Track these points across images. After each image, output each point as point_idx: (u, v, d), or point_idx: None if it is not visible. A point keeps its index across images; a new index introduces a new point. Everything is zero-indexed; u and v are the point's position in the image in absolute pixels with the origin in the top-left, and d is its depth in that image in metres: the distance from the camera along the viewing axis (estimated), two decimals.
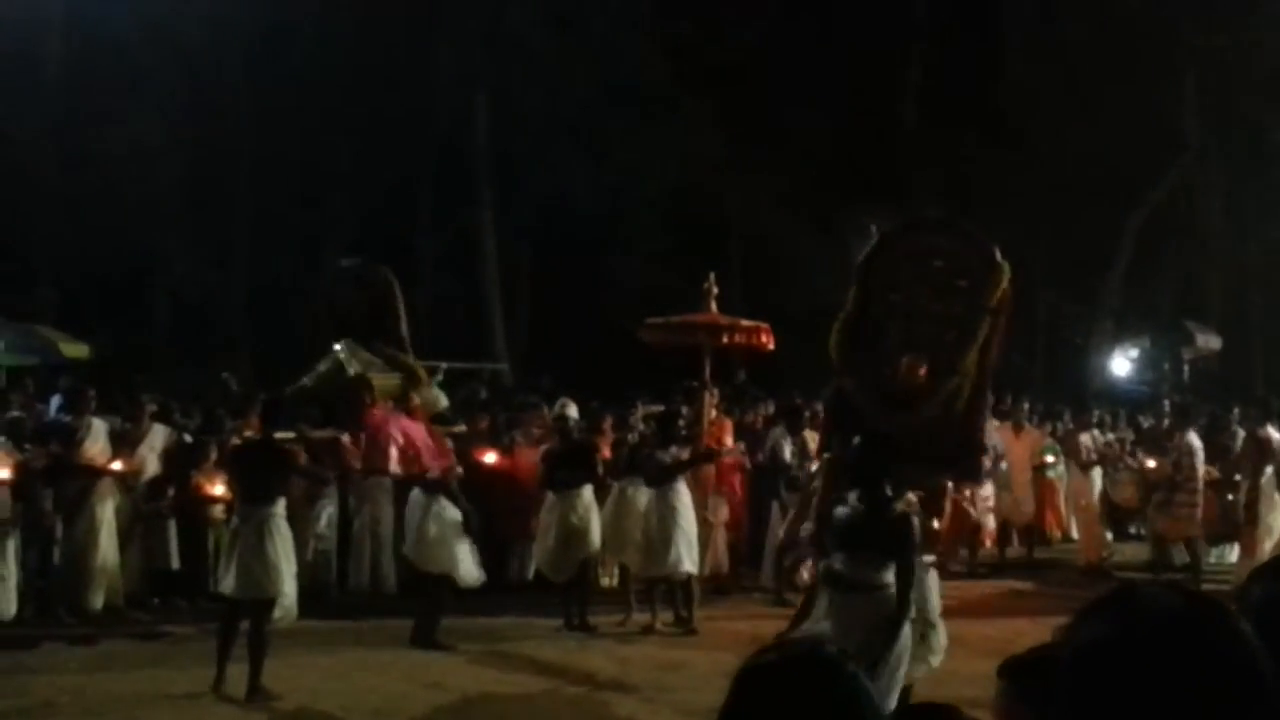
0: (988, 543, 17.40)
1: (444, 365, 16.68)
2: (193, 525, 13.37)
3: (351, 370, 11.53)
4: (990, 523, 17.00)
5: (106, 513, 13.06)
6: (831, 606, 7.98)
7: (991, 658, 2.95)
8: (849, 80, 28.57)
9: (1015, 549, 17.75)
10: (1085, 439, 17.45)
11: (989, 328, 8.84)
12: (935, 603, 8.70)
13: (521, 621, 13.17)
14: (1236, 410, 20.26)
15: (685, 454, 13.47)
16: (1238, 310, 31.75)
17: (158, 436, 13.81)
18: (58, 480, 12.85)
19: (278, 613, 10.41)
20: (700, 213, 28.77)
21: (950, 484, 8.78)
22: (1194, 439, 16.39)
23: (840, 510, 8.01)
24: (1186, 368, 30.43)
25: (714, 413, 14.54)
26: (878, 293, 9.16)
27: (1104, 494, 17.05)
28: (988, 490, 16.60)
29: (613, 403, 16.06)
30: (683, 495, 13.08)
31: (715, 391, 14.59)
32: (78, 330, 23.66)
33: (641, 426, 15.22)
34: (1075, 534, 18.11)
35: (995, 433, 16.96)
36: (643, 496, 13.31)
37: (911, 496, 8.14)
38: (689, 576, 13.08)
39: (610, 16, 28.02)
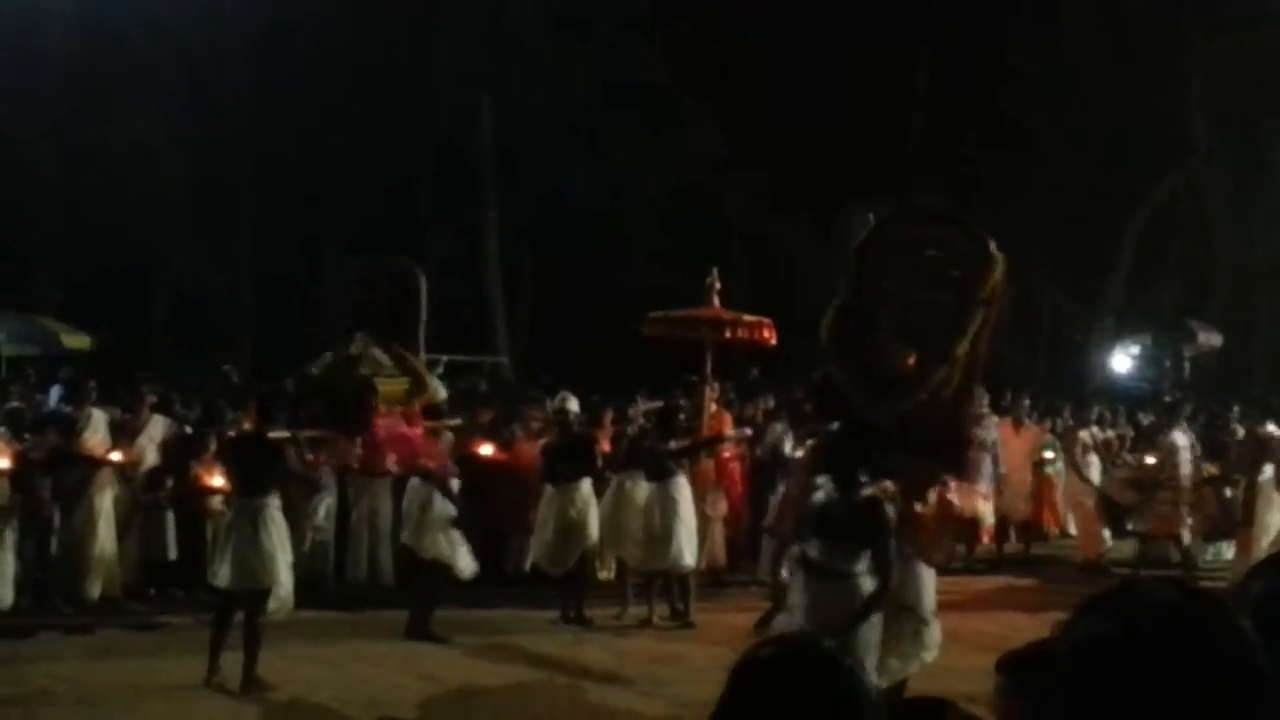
0: (985, 538, 17.39)
1: (444, 358, 16.70)
2: (191, 516, 13.37)
3: (361, 370, 11.49)
4: (988, 518, 17.00)
5: (105, 503, 13.07)
6: (805, 593, 7.97)
7: (988, 653, 2.94)
8: (850, 80, 28.59)
9: (1013, 545, 17.76)
10: (1084, 436, 17.44)
11: (980, 319, 8.80)
12: (930, 599, 8.67)
13: (518, 614, 13.18)
14: (1236, 408, 20.29)
15: (679, 444, 13.49)
16: (1240, 309, 31.77)
17: (157, 427, 13.84)
18: (57, 470, 12.86)
19: (273, 604, 10.41)
20: (701, 212, 28.77)
21: (934, 477, 8.70)
22: (1179, 437, 16.41)
23: (816, 497, 8.00)
24: (1187, 365, 30.47)
25: (714, 406, 14.55)
26: (871, 280, 9.12)
27: (1101, 491, 17.03)
28: (985, 486, 16.63)
29: (613, 397, 16.05)
30: (683, 489, 13.10)
31: (715, 385, 14.59)
32: (79, 323, 23.68)
33: (641, 421, 15.20)
34: (1073, 530, 18.10)
35: (994, 428, 16.98)
36: (641, 490, 13.31)
37: (888, 484, 8.08)
38: (688, 570, 13.10)
39: (612, 17, 28.03)
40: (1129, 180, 29.23)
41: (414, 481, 12.33)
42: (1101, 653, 1.77)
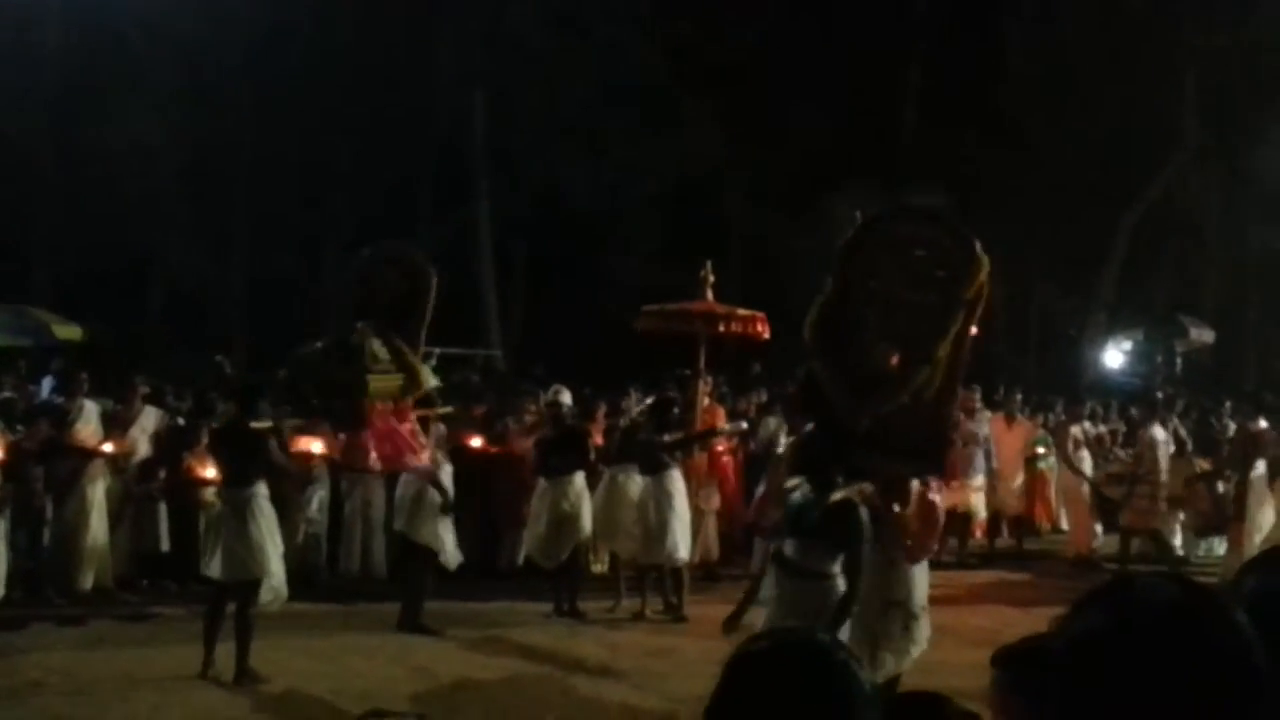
0: (978, 533, 17.46)
1: (437, 351, 16.67)
2: (183, 508, 13.36)
3: (357, 362, 11.44)
4: (981, 513, 17.05)
5: (97, 494, 13.08)
6: (779, 591, 7.98)
7: (981, 648, 2.96)
8: (848, 79, 28.58)
9: (1005, 540, 17.82)
10: (1076, 431, 17.48)
11: (963, 320, 8.80)
12: (920, 594, 8.68)
13: (511, 607, 13.20)
14: (1228, 404, 20.33)
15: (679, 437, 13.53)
16: (1232, 305, 31.83)
17: (149, 419, 13.85)
18: (49, 461, 12.86)
19: (267, 595, 10.41)
20: (695, 208, 28.78)
21: (915, 479, 8.68)
22: (1158, 431, 16.48)
23: (794, 497, 7.99)
24: (1179, 361, 30.52)
25: (706, 400, 14.57)
26: (857, 278, 9.08)
27: (1094, 485, 17.08)
28: (979, 480, 16.67)
29: (606, 391, 16.07)
30: (677, 482, 13.12)
31: (709, 379, 14.61)
32: (72, 315, 23.66)
33: (633, 414, 15.21)
34: (1065, 525, 18.15)
35: (987, 423, 17.03)
36: (634, 484, 13.34)
37: (867, 486, 8.07)
38: (682, 564, 13.13)
39: (609, 15, 28.01)
40: (1122, 176, 29.25)
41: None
42: (1098, 648, 1.77)
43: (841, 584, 7.80)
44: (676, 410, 13.78)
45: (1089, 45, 28.82)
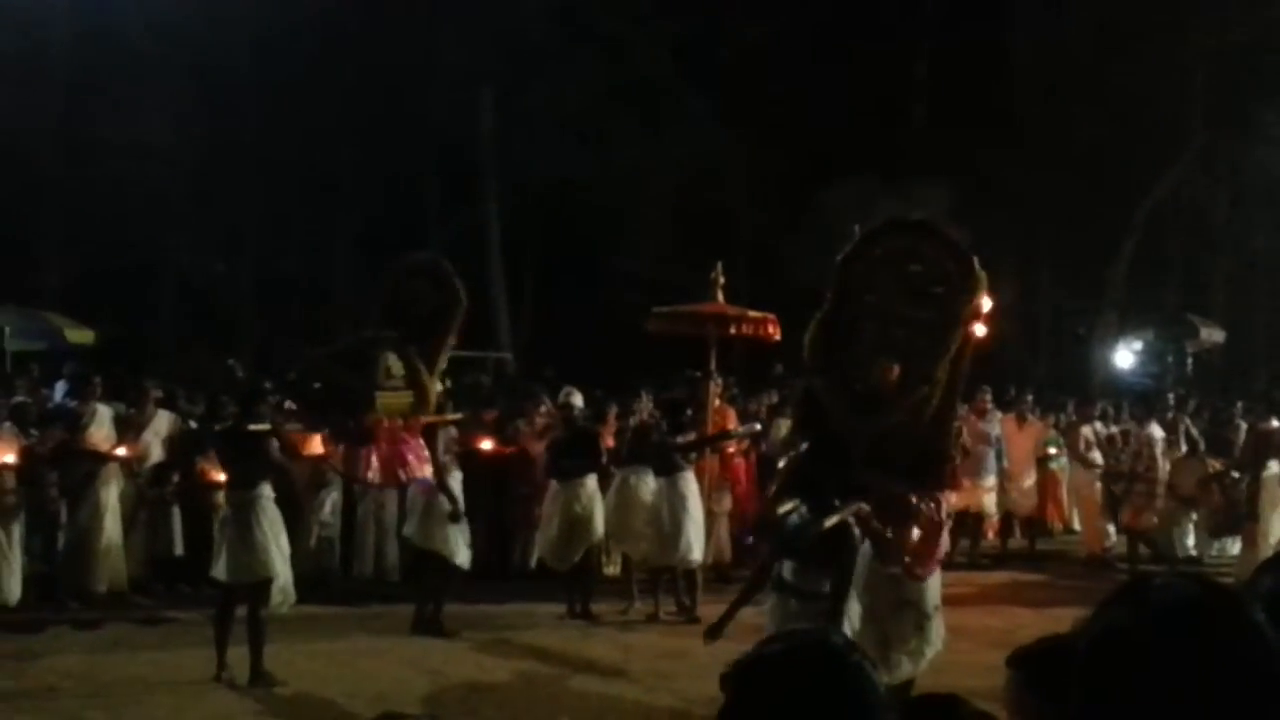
0: (990, 534, 17.45)
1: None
2: (197, 511, 13.39)
3: (370, 373, 11.45)
4: (993, 513, 17.05)
5: (111, 498, 13.13)
6: (781, 613, 7.99)
7: (994, 648, 2.97)
8: (854, 77, 28.54)
9: (1018, 540, 17.80)
10: (1087, 431, 17.47)
11: (961, 337, 8.80)
12: (932, 595, 8.67)
13: (524, 609, 13.23)
14: (1239, 404, 20.30)
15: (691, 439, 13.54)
16: (1242, 304, 31.77)
17: (162, 422, 13.88)
18: (63, 465, 12.91)
19: (276, 596, 10.43)
20: (706, 210, 28.77)
21: (914, 497, 8.63)
22: (1155, 430, 16.49)
23: (790, 519, 7.95)
24: (1190, 361, 30.46)
25: (717, 401, 14.58)
26: (854, 293, 9.06)
27: (1105, 486, 17.07)
28: (990, 481, 16.67)
29: (617, 393, 16.08)
30: (691, 484, 13.15)
31: (719, 381, 14.63)
32: (83, 317, 23.70)
33: (644, 415, 15.21)
34: (1077, 526, 18.14)
35: (998, 424, 17.03)
36: (646, 485, 13.35)
37: (864, 506, 8.03)
38: (695, 566, 13.15)
39: (616, 13, 28.02)
40: (1130, 176, 29.19)
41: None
42: (1118, 647, 1.79)
43: (829, 602, 7.84)
44: (689, 412, 13.81)
45: (1096, 44, 28.77)
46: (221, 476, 12.72)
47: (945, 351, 8.67)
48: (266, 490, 10.45)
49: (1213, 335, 30.23)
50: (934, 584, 8.72)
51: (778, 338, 14.21)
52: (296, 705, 9.90)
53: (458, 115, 28.32)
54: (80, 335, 22.80)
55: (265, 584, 10.30)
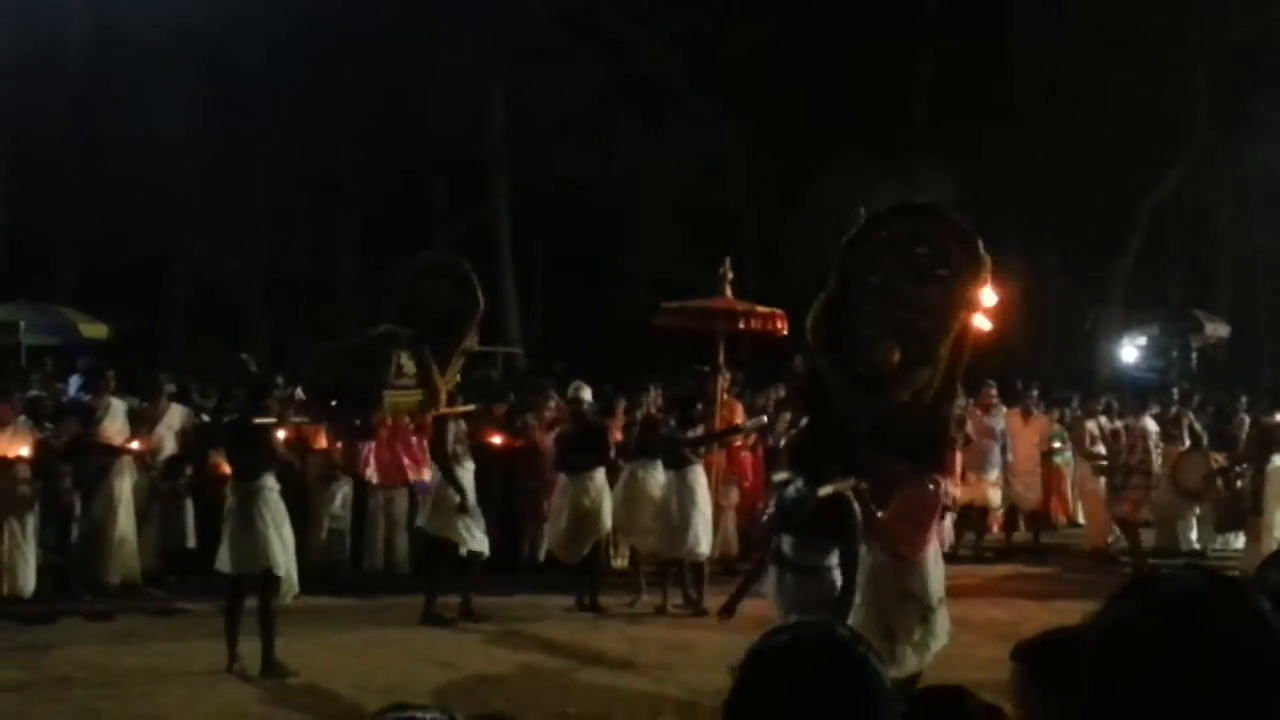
0: (995, 527, 17.51)
1: None
2: (209, 504, 13.44)
3: (382, 371, 11.48)
4: (997, 506, 17.11)
5: (124, 491, 13.22)
6: (779, 587, 8.03)
7: (998, 641, 3.03)
8: (859, 74, 28.56)
9: (1022, 534, 17.84)
10: (1092, 426, 17.53)
11: (964, 320, 8.84)
12: (935, 586, 8.70)
13: (533, 601, 13.29)
14: (1244, 398, 20.34)
15: (698, 433, 13.63)
16: (1246, 299, 31.78)
17: (175, 416, 13.95)
18: (77, 458, 13.00)
19: (281, 588, 10.48)
20: (712, 206, 28.81)
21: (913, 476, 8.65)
22: (1149, 423, 16.54)
23: (786, 492, 8.01)
24: (1194, 355, 30.49)
25: (724, 396, 14.65)
26: (858, 274, 9.09)
27: (1110, 480, 17.11)
28: (994, 475, 16.74)
29: (625, 388, 16.17)
30: (700, 478, 13.24)
31: (727, 375, 14.71)
32: (97, 312, 23.80)
33: (651, 408, 15.28)
34: (1081, 519, 18.20)
35: (1003, 418, 17.09)
36: (653, 478, 13.43)
37: (861, 483, 8.04)
38: (703, 559, 13.23)
39: (620, 12, 28.07)
40: (1133, 172, 29.20)
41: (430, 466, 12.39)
42: (1126, 639, 1.83)
43: (839, 576, 7.85)
44: (699, 406, 13.89)
45: (1097, 43, 28.78)
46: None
47: (948, 333, 8.70)
48: (270, 482, 10.49)
49: (1217, 330, 30.27)
50: (936, 576, 8.75)
51: (785, 332, 14.28)
52: (307, 696, 9.93)
53: (464, 114, 28.38)
54: (94, 330, 22.91)
55: (273, 576, 10.34)
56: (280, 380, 13.78)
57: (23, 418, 12.83)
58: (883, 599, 8.38)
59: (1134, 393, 19.05)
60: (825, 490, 7.83)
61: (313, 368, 11.86)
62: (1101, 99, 28.47)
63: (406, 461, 12.49)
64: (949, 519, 13.34)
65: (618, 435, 14.26)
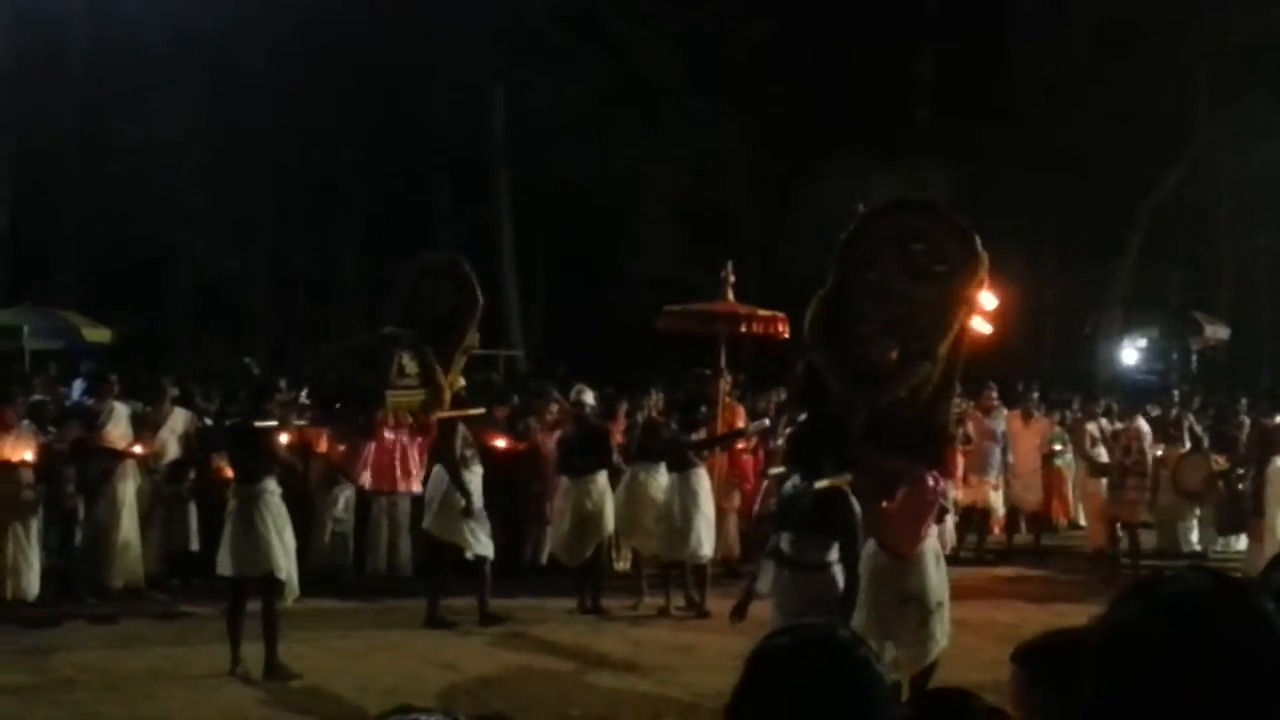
0: (996, 529, 17.53)
1: None
2: (212, 507, 13.43)
3: (383, 372, 11.49)
4: (999, 509, 17.14)
5: (127, 494, 13.24)
6: (778, 584, 8.02)
7: (999, 642, 3.05)
8: (859, 74, 28.59)
9: (1023, 536, 17.87)
10: (1092, 428, 17.56)
11: (963, 316, 8.83)
12: (935, 588, 8.70)
13: (535, 604, 13.31)
14: (1244, 400, 20.36)
15: (701, 437, 13.66)
16: (1246, 301, 31.80)
17: (178, 420, 13.97)
18: (80, 462, 13.03)
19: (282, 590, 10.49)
20: (714, 208, 28.84)
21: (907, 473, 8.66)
22: (1142, 424, 16.58)
23: (784, 489, 8.03)
24: (1194, 358, 30.51)
25: (726, 399, 14.69)
26: (855, 272, 9.09)
27: (1111, 481, 17.14)
28: (995, 478, 16.77)
29: (627, 391, 16.20)
30: (703, 480, 13.28)
31: (729, 378, 14.74)
32: (99, 315, 23.84)
33: (652, 411, 15.31)
34: (1083, 521, 18.22)
35: (1004, 420, 17.12)
36: (655, 481, 13.47)
37: (855, 478, 8.03)
38: (704, 561, 13.26)
39: (621, 12, 28.10)
40: (1133, 173, 29.23)
41: (438, 469, 12.40)
42: (1129, 640, 1.83)
43: (838, 572, 7.83)
44: (703, 409, 13.93)
45: (1096, 43, 28.81)
46: None
47: (947, 330, 8.71)
48: (271, 485, 10.51)
49: (1217, 332, 30.29)
50: (937, 578, 8.77)
51: (787, 336, 14.31)
52: (310, 699, 9.96)
53: (465, 114, 28.41)
54: (97, 334, 22.95)
55: (274, 579, 10.35)
56: (283, 383, 13.82)
57: (26, 422, 12.86)
58: (882, 600, 8.40)
59: (1129, 394, 19.08)
60: (823, 484, 7.83)
61: (316, 370, 11.88)
62: (1101, 99, 28.51)
63: (399, 472, 12.50)
64: (950, 521, 13.33)
65: (619, 438, 14.29)
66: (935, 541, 9.07)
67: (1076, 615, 2.35)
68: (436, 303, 11.89)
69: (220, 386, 16.22)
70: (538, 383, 18.45)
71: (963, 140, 27.79)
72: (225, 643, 10.45)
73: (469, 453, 12.38)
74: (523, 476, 14.97)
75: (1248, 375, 28.79)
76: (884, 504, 8.40)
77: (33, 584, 12.54)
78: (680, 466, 13.24)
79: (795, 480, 7.99)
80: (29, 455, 12.47)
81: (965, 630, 9.37)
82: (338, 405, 11.64)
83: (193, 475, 13.72)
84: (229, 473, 12.67)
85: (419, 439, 11.90)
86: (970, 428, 16.07)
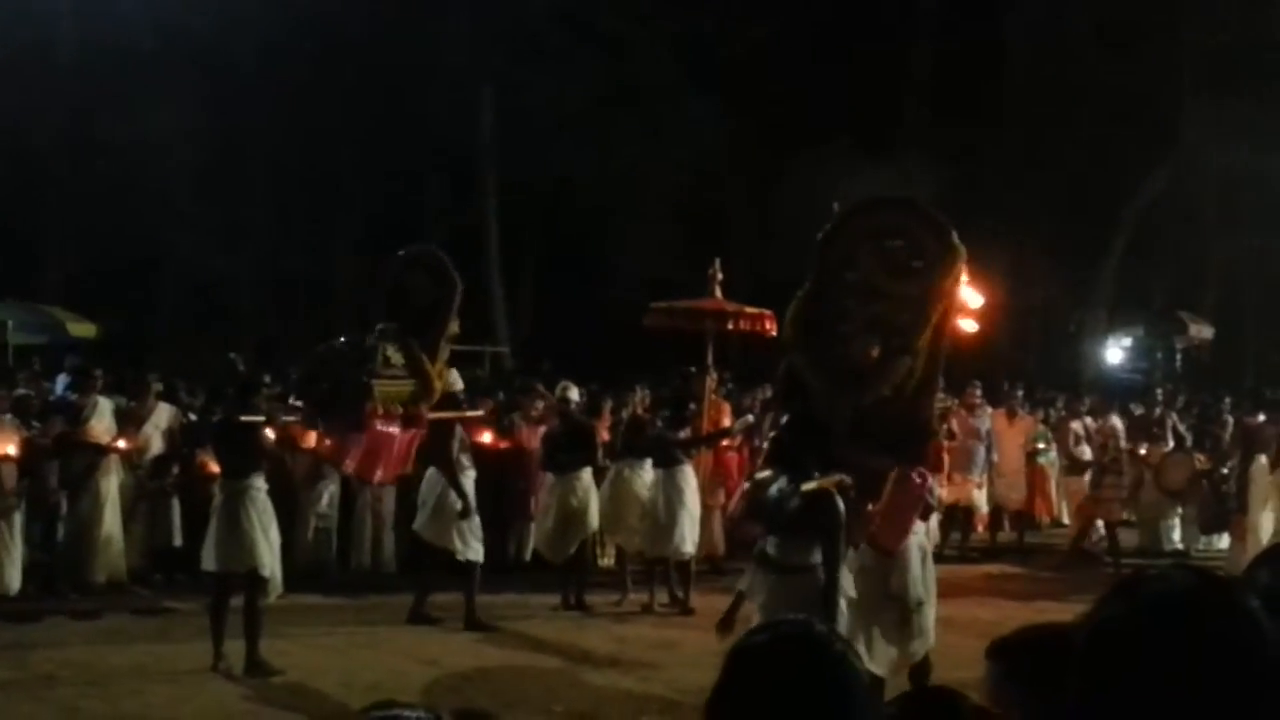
0: (980, 527, 17.58)
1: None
2: (196, 503, 13.42)
3: (369, 365, 11.48)
4: (983, 507, 17.18)
5: (111, 489, 13.21)
6: (765, 588, 8.02)
7: (982, 639, 3.02)
8: (852, 75, 28.63)
9: (1007, 534, 17.91)
10: (1076, 426, 17.61)
11: (942, 310, 8.85)
12: (917, 587, 8.67)
13: (519, 600, 13.31)
14: (1228, 400, 20.44)
15: (685, 435, 13.66)
16: (1230, 300, 31.91)
17: (162, 415, 13.95)
18: (63, 457, 13.00)
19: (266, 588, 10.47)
20: (703, 206, 28.86)
21: (895, 470, 8.63)
22: (1116, 421, 16.63)
23: (769, 492, 7.98)
24: (1179, 357, 30.62)
25: (713, 396, 14.70)
26: (834, 271, 9.08)
27: (1095, 480, 17.20)
28: (979, 476, 16.81)
29: (613, 387, 16.21)
30: (689, 478, 13.29)
31: (715, 375, 14.76)
32: (86, 311, 23.80)
33: (636, 408, 15.30)
34: (1066, 520, 18.27)
35: (989, 418, 17.16)
36: (639, 478, 13.48)
37: (846, 478, 8.02)
38: (688, 558, 13.27)
39: (616, 12, 28.10)
40: (1121, 172, 29.31)
41: (431, 471, 12.38)
42: (1113, 638, 1.84)
43: (823, 574, 7.85)
44: (692, 406, 13.94)
45: (1087, 43, 28.88)
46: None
47: (927, 325, 8.71)
48: (258, 482, 10.50)
49: (1202, 332, 30.40)
50: (920, 577, 8.78)
51: (774, 333, 14.33)
52: (293, 695, 9.95)
53: (458, 114, 28.40)
54: (82, 329, 22.92)
55: (258, 576, 10.33)
56: (268, 378, 13.80)
57: (9, 416, 12.81)
58: (866, 596, 8.41)
59: (1103, 392, 19.16)
60: (809, 486, 7.82)
61: (305, 373, 11.89)
62: (1089, 100, 28.59)
63: (380, 463, 12.46)
64: (934, 519, 13.36)
65: (605, 435, 14.29)
66: (923, 538, 9.08)
67: (1060, 613, 2.36)
68: (418, 294, 11.93)
69: (205, 382, 16.18)
70: (523, 379, 18.44)
71: (954, 140, 27.84)
72: (208, 639, 10.43)
73: (464, 457, 12.34)
74: (507, 473, 14.95)
75: (1232, 374, 28.91)
76: (870, 504, 8.40)
77: (15, 579, 12.49)
78: (666, 463, 13.25)
79: (781, 483, 7.95)
80: (12, 450, 12.43)
81: (949, 628, 9.38)
82: (329, 404, 11.65)
83: (176, 471, 13.69)
84: (213, 468, 12.67)
85: (411, 431, 11.91)
86: (954, 425, 16.10)
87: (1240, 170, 28.89)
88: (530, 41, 27.83)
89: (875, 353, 8.69)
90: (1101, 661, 1.83)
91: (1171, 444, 17.59)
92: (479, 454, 13.87)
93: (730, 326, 14.36)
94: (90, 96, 25.71)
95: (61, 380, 15.99)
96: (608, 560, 14.72)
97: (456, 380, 12.71)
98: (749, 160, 29.24)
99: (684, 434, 13.66)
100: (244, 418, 10.65)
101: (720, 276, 14.36)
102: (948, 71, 29.89)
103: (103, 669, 10.38)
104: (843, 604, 7.93)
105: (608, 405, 15.17)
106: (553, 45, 27.73)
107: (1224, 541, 16.49)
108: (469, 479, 12.32)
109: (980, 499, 16.98)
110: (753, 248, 27.46)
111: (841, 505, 7.91)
